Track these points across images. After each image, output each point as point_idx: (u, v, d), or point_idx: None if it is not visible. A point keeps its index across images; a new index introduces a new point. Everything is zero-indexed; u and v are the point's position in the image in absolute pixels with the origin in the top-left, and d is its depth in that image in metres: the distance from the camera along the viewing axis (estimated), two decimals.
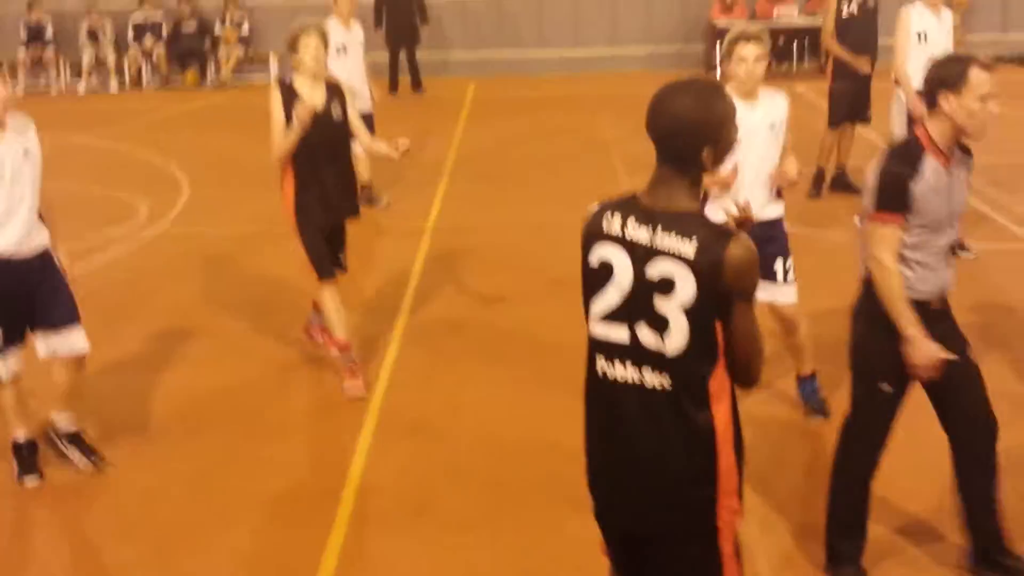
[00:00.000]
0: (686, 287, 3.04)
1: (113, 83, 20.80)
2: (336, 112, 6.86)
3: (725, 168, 5.63)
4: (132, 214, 11.42)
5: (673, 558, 3.25)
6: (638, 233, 3.11)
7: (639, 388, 3.16)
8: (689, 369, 3.10)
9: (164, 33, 21.00)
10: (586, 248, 3.21)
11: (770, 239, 6.01)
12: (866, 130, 11.62)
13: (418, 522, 5.48)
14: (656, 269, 3.07)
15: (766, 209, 6.01)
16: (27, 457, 5.94)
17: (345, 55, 10.89)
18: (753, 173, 5.91)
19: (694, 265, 3.02)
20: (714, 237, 3.04)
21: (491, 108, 17.77)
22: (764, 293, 5.30)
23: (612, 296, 3.16)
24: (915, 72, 8.84)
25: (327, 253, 6.97)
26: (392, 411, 6.71)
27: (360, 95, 10.30)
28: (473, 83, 19.99)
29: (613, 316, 3.17)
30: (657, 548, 3.27)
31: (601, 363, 3.22)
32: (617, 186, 11.38)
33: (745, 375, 3.18)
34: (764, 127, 5.98)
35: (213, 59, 21.12)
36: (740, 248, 3.04)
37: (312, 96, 6.76)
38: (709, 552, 3.22)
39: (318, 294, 7.02)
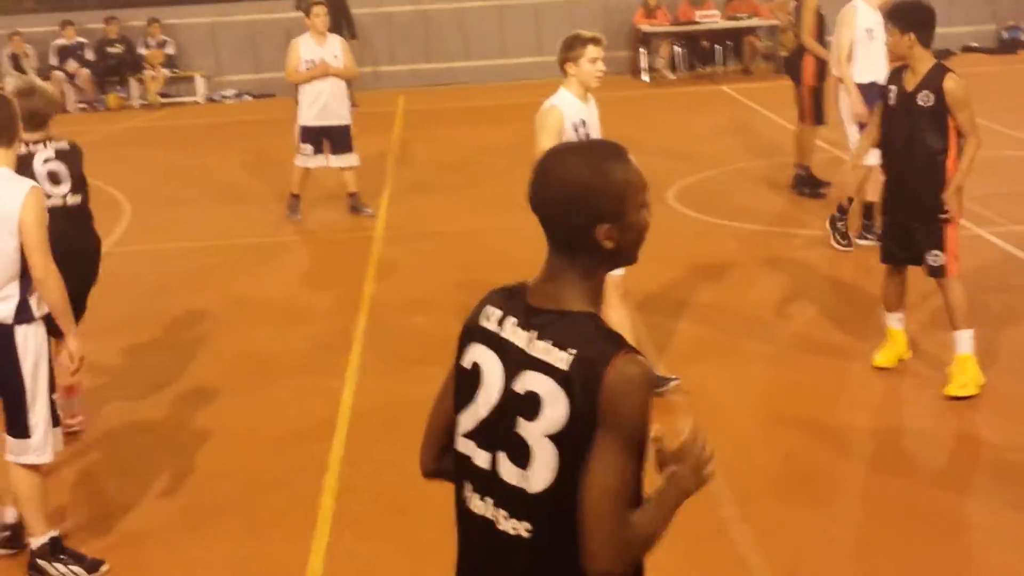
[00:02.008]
0: (555, 408, 2.36)
1: None
2: (60, 190, 5.41)
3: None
4: None
5: None
6: (516, 336, 2.47)
7: (493, 529, 2.48)
8: (555, 514, 2.39)
9: (89, 56, 20.77)
10: (461, 345, 2.60)
11: None
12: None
13: (398, 523, 5.50)
14: (523, 383, 2.42)
15: None
16: (72, 550, 5.13)
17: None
18: None
19: (566, 379, 2.35)
20: (599, 346, 2.37)
21: (423, 119, 17.80)
22: None
23: (479, 410, 2.50)
24: (863, 68, 8.96)
25: None
26: (361, 415, 6.73)
27: (336, 110, 11.03)
28: (403, 95, 20.00)
29: (475, 435, 2.52)
30: None
31: (465, 489, 2.56)
32: None
33: (588, 550, 2.35)
34: (597, 121, 6.37)
35: (139, 80, 20.93)
36: (629, 365, 2.34)
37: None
38: None
39: None
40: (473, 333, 2.56)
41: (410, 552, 5.23)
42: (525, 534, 2.43)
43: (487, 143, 15.03)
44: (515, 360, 2.44)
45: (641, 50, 20.70)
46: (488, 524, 2.49)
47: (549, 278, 2.49)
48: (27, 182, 4.90)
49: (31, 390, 4.89)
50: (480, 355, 2.52)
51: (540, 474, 2.38)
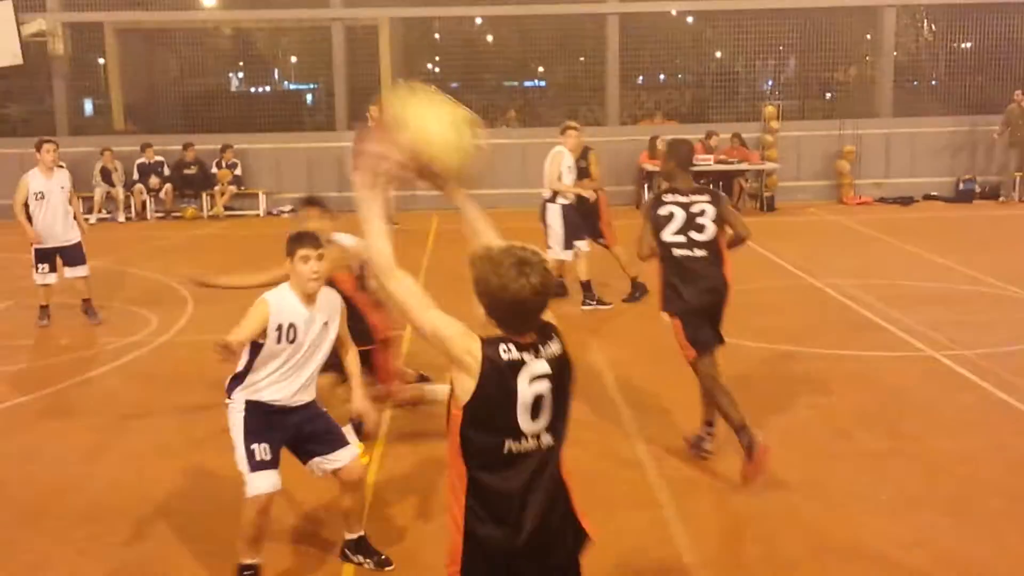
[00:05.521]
0: (710, 208, 6.65)
1: (121, 215, 20.96)
2: None
3: None
4: (145, 324, 11.46)
5: None
6: (689, 198, 6.66)
7: (691, 257, 6.63)
8: (712, 245, 6.63)
9: (167, 172, 21.24)
10: (657, 205, 6.71)
11: None
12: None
13: None
14: (697, 207, 6.65)
15: None
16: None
17: (44, 200, 11.17)
18: None
19: (712, 199, 6.69)
20: (715, 192, 6.67)
21: (454, 238, 17.92)
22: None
23: (676, 223, 6.64)
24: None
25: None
26: (380, 520, 6.68)
27: (64, 232, 11.34)
28: (436, 216, 20.27)
29: (679, 232, 6.63)
30: None
31: (680, 250, 6.65)
32: (575, 302, 11.57)
33: (740, 235, 6.78)
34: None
35: (209, 195, 21.34)
36: (724, 199, 6.78)
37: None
38: None
39: None
40: (664, 202, 6.70)
41: None
42: (704, 254, 6.65)
43: None
44: (690, 203, 6.66)
45: (645, 186, 21.03)
46: (689, 256, 6.64)
47: (681, 177, 6.80)
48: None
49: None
50: (672, 207, 6.66)
51: (709, 231, 6.62)
